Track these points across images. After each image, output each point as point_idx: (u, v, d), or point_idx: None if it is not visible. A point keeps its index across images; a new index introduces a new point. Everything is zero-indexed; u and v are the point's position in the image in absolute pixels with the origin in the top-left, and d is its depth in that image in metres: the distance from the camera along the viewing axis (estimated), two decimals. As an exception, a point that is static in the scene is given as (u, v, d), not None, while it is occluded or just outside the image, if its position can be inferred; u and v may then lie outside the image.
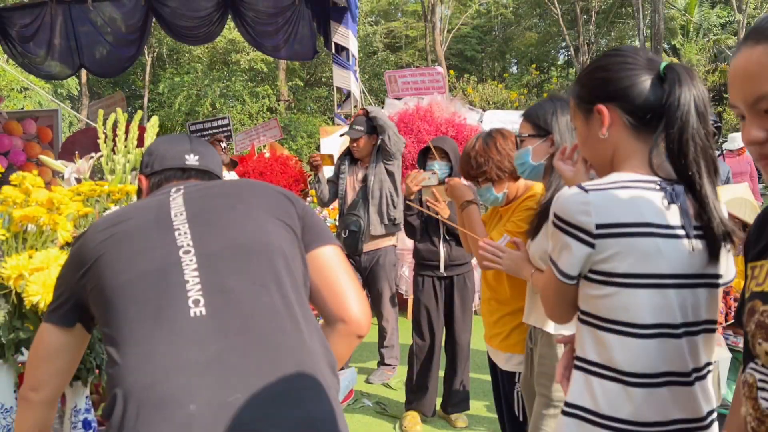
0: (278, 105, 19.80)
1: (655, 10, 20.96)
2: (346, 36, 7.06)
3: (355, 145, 4.20)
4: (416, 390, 3.64)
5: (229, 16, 7.76)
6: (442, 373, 3.73)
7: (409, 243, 3.86)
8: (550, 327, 1.95)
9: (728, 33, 27.66)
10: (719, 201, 1.25)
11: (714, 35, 27.77)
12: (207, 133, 9.47)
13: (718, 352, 2.86)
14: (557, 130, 1.96)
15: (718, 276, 1.26)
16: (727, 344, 3.01)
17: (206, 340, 1.08)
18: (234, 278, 1.16)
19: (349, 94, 7.39)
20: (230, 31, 18.12)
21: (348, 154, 4.33)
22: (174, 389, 1.04)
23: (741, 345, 3.24)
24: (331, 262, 1.32)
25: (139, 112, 2.46)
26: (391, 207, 4.17)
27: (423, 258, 3.65)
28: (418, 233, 3.64)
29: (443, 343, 3.71)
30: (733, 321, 2.98)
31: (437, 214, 3.47)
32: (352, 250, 4.13)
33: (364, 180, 4.21)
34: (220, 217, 1.26)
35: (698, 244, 1.22)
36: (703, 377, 1.25)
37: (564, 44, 29.89)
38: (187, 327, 1.09)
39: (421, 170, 3.27)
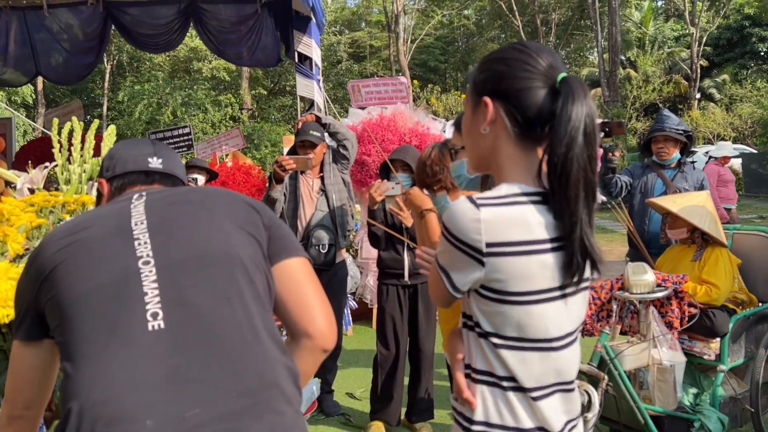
0: (241, 114, 19.62)
1: (612, 23, 21.53)
2: (310, 45, 7.04)
3: (311, 152, 3.83)
4: (381, 399, 3.63)
5: (191, 24, 7.67)
6: (406, 382, 3.73)
7: (374, 252, 3.85)
8: None
9: (682, 46, 28.54)
10: (592, 226, 1.22)
11: (668, 48, 28.63)
12: (168, 142, 9.33)
13: (674, 357, 2.93)
14: None
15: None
16: (683, 348, 3.08)
17: (164, 354, 1.06)
18: (194, 290, 1.14)
19: (312, 104, 7.38)
20: (192, 39, 17.93)
21: None
22: (130, 405, 1.01)
23: (696, 349, 3.31)
24: (297, 275, 1.30)
25: (96, 122, 2.40)
26: (348, 218, 3.94)
27: (387, 266, 3.65)
28: (382, 242, 3.64)
29: (407, 352, 3.72)
30: (688, 326, 3.06)
31: (401, 224, 3.48)
32: (329, 265, 3.85)
33: (322, 190, 3.92)
34: (182, 227, 1.22)
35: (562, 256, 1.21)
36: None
37: (525, 55, 30.37)
38: (144, 341, 1.07)
39: (385, 180, 3.27)
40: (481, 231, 1.18)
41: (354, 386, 4.45)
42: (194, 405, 1.03)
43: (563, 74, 1.23)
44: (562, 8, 28.01)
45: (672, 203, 3.41)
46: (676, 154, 4.18)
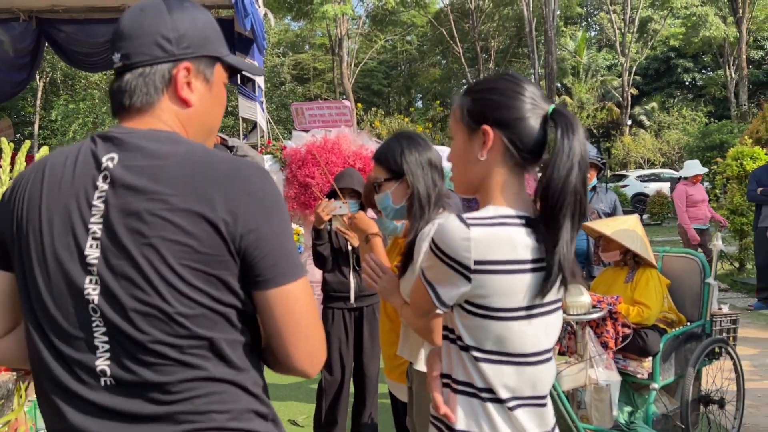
0: (181, 134, 19.30)
1: (548, 52, 22.34)
2: (253, 67, 7.02)
3: None
4: (325, 426, 3.58)
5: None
6: (350, 407, 3.70)
7: (318, 275, 3.82)
8: (421, 365, 1.99)
9: (613, 74, 29.90)
10: (572, 245, 1.29)
11: (601, 76, 29.93)
12: (104, 162, 9.06)
13: (610, 376, 3.02)
14: (409, 171, 2.03)
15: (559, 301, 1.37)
16: (618, 368, 3.18)
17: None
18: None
19: (255, 125, 7.33)
20: (131, 58, 17.55)
21: None
22: None
23: (630, 368, 3.41)
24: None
25: (27, 142, 2.32)
26: None
27: (333, 290, 3.62)
28: (328, 263, 3.59)
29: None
30: (622, 345, 3.17)
31: (347, 245, 3.48)
32: None
33: None
34: (136, 265, 1.01)
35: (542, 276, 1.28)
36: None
37: (465, 81, 31.14)
38: None
39: (332, 199, 3.26)
40: (470, 249, 1.24)
41: (296, 413, 4.38)
42: None
43: (552, 105, 1.31)
44: (500, 36, 28.91)
45: (605, 227, 3.54)
46: (594, 179, 4.66)
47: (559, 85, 26.09)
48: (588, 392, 3.03)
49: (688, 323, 3.45)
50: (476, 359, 1.29)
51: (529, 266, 1.26)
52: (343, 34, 25.53)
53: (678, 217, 7.97)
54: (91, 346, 1.02)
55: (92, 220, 1.02)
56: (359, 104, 22.69)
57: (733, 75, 25.16)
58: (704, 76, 30.40)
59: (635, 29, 27.12)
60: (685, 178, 8.11)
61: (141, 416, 1.02)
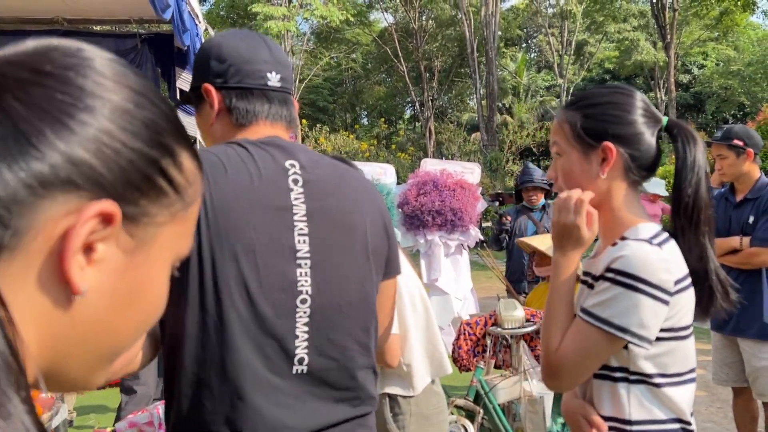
0: (120, 149, 18.76)
1: (489, 73, 22.94)
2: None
3: None
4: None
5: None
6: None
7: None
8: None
9: (552, 95, 30.93)
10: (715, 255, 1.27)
11: (540, 96, 30.91)
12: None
13: (544, 388, 3.10)
14: None
15: None
16: (551, 379, 3.27)
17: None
18: (330, 341, 1.14)
19: (195, 140, 7.22)
20: (66, 71, 17.01)
21: None
22: None
23: (563, 380, 3.49)
24: None
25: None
26: None
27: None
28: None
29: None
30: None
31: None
32: None
33: None
34: (338, 266, 1.12)
35: None
36: None
37: (410, 99, 31.56)
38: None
39: None
40: (671, 270, 1.17)
41: None
42: None
43: (666, 117, 1.29)
44: (443, 56, 29.48)
45: (540, 243, 3.65)
46: (542, 200, 4.94)
47: (500, 105, 26.77)
48: (523, 404, 3.10)
49: (618, 335, 3.58)
50: (659, 386, 1.20)
51: (689, 280, 1.22)
52: (287, 50, 25.51)
53: None
54: (292, 335, 1.07)
55: (296, 218, 1.09)
56: (304, 120, 22.65)
57: (663, 97, 26.43)
58: (637, 98, 31.80)
59: (572, 52, 28.17)
60: (645, 193, 8.46)
61: (328, 400, 1.10)
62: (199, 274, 1.03)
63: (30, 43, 0.45)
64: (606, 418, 1.24)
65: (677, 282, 1.18)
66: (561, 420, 3.38)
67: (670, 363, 1.21)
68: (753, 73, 25.17)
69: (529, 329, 3.15)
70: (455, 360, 3.31)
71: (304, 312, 1.07)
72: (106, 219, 0.42)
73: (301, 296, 1.07)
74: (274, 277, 1.05)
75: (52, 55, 0.44)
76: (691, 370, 1.25)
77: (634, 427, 1.21)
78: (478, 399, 3.03)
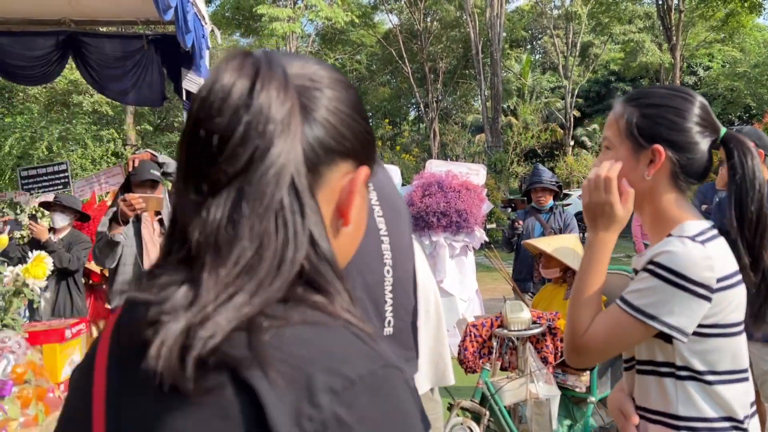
0: (125, 150, 18.79)
1: (494, 74, 22.91)
2: (197, 83, 6.94)
3: (151, 192, 3.55)
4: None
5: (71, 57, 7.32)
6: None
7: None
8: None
9: (557, 96, 30.88)
10: None
11: (545, 98, 30.85)
12: (42, 180, 8.73)
13: (550, 390, 3.10)
14: None
15: None
16: (557, 382, 3.26)
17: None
18: (401, 307, 1.33)
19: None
20: (72, 72, 17.05)
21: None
22: None
23: (569, 383, 3.49)
24: None
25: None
26: None
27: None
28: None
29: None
30: (561, 360, 3.25)
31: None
32: None
33: (163, 234, 3.58)
34: (399, 244, 1.32)
35: None
36: None
37: (414, 101, 31.55)
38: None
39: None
40: (714, 267, 1.18)
41: None
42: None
43: (724, 129, 1.28)
44: (448, 57, 29.45)
45: (546, 245, 3.65)
46: (551, 201, 5.01)
47: (504, 106, 26.74)
48: (529, 406, 3.09)
49: (624, 338, 3.56)
50: (710, 383, 1.20)
51: (740, 276, 1.23)
52: (292, 51, 25.56)
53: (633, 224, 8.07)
54: (383, 299, 1.26)
55: (372, 201, 1.27)
56: (308, 122, 22.63)
57: (668, 99, 26.33)
58: (642, 100, 31.68)
59: (577, 53, 28.12)
60: None
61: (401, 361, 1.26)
62: None
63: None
64: (654, 412, 1.26)
65: (721, 279, 1.19)
66: (567, 422, 3.37)
67: (719, 360, 1.21)
68: (759, 75, 25.07)
69: (536, 331, 3.14)
70: (461, 362, 3.31)
71: (389, 280, 1.26)
72: (367, 178, 0.68)
73: (386, 267, 1.26)
74: (373, 248, 1.24)
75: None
76: (744, 370, 1.25)
77: (682, 423, 1.22)
78: (484, 401, 3.02)
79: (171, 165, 3.68)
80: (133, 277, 3.43)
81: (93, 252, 3.44)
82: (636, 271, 1.33)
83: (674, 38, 22.24)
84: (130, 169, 3.60)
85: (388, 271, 1.27)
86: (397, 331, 1.28)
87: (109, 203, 6.74)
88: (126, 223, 3.43)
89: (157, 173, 3.59)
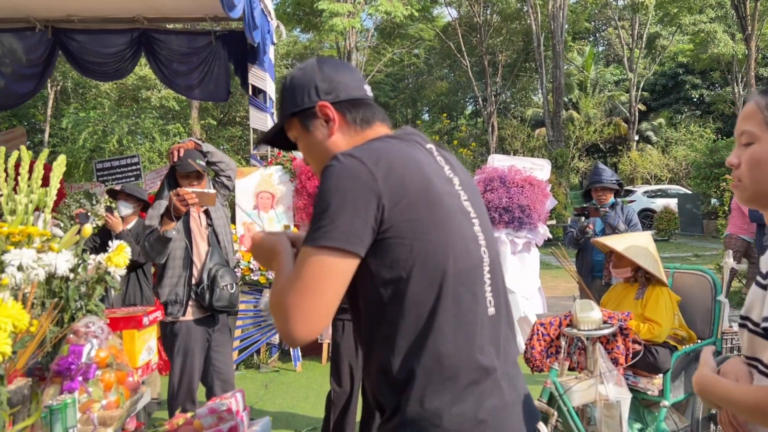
0: (190, 144, 19.34)
1: (556, 66, 22.39)
2: (264, 78, 7.06)
3: (197, 183, 3.47)
4: (332, 437, 3.57)
5: (143, 53, 7.58)
6: (358, 418, 3.69)
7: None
8: None
9: (621, 90, 29.93)
10: None
11: (609, 91, 29.96)
12: (116, 171, 9.09)
13: (620, 392, 3.01)
14: None
15: None
16: (628, 384, 3.16)
17: (495, 333, 1.27)
18: (500, 280, 1.34)
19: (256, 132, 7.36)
20: (141, 68, 17.67)
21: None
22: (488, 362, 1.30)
23: (640, 385, 3.39)
24: None
25: (45, 151, 2.33)
26: (232, 255, 3.65)
27: (343, 301, 3.61)
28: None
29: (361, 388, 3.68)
30: (632, 362, 3.15)
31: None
32: (234, 306, 3.54)
33: (209, 225, 3.55)
34: (482, 215, 1.35)
35: None
36: None
37: (472, 95, 31.21)
38: (486, 322, 1.26)
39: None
40: None
41: (303, 424, 4.36)
42: (511, 366, 1.29)
43: None
44: (508, 50, 28.99)
45: (617, 243, 3.53)
46: (611, 199, 4.99)
47: (566, 100, 26.13)
48: (598, 408, 3.01)
49: (699, 341, 3.43)
50: None
51: None
52: (351, 46, 25.69)
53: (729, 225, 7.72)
54: (482, 280, 1.27)
55: (457, 187, 1.31)
56: (367, 116, 22.75)
57: (742, 92, 25.17)
58: (712, 93, 30.37)
59: (643, 45, 27.19)
60: None
61: (511, 339, 1.35)
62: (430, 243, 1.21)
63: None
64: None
65: None
66: (638, 426, 3.27)
67: None
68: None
69: (606, 331, 3.06)
70: (527, 360, 3.25)
71: (486, 261, 1.28)
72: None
73: (482, 248, 1.28)
74: (468, 232, 1.27)
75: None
76: None
77: None
78: (551, 401, 2.96)
79: (216, 153, 3.60)
80: (183, 270, 3.40)
81: (142, 246, 3.37)
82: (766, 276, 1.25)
83: (749, 28, 21.18)
84: (175, 159, 3.47)
85: (484, 252, 1.28)
86: (499, 309, 1.29)
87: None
88: (179, 218, 3.35)
89: (203, 163, 3.47)
